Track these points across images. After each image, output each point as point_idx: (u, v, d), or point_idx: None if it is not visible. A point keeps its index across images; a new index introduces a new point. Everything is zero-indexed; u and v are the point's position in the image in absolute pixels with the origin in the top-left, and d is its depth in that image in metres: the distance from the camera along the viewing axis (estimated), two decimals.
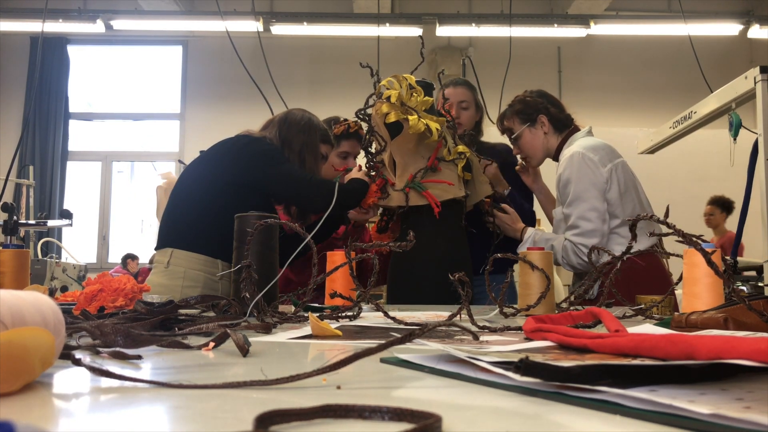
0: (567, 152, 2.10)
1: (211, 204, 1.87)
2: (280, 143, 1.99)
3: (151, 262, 7.23)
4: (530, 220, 2.50)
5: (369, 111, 1.99)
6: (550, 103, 2.24)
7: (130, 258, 7.38)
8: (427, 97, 1.97)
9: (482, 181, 2.16)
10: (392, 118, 1.89)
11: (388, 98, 1.90)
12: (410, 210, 1.99)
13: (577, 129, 2.22)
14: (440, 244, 1.96)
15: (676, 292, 1.52)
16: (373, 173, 2.03)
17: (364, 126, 2.07)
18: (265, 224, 1.19)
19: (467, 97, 2.50)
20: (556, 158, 2.22)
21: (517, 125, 2.23)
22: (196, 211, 1.90)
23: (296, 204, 2.04)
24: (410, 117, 1.88)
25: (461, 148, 2.00)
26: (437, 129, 1.90)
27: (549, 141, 2.21)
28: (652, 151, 4.01)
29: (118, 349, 0.65)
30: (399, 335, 0.54)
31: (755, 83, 2.79)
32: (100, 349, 0.66)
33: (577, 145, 2.10)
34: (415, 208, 1.98)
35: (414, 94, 1.94)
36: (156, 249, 1.97)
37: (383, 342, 0.54)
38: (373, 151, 2.05)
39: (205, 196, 1.90)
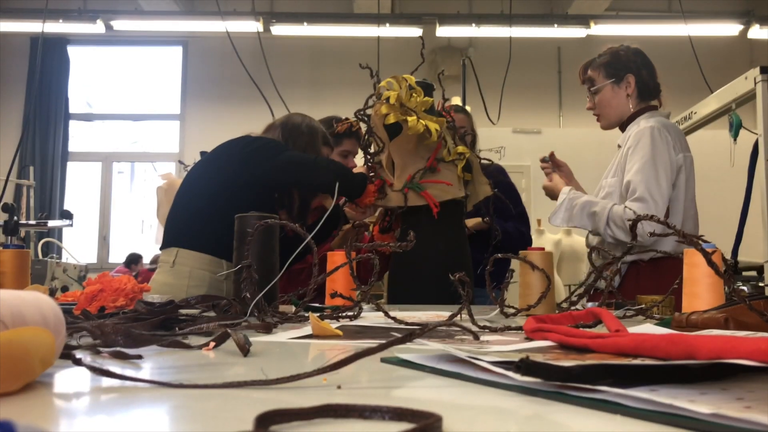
0: (643, 124, 1.93)
1: (217, 204, 1.88)
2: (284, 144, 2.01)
3: (152, 262, 7.20)
4: (527, 243, 2.45)
5: (369, 111, 2.00)
6: (643, 64, 2.05)
7: (134, 263, 7.28)
8: (426, 98, 1.96)
9: (482, 182, 2.16)
10: (391, 119, 1.89)
11: (387, 99, 1.90)
12: (410, 210, 1.99)
13: (656, 108, 2.05)
14: (440, 245, 1.96)
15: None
16: (372, 174, 2.03)
17: (364, 126, 2.07)
18: (266, 224, 1.19)
19: (466, 123, 2.46)
20: (624, 127, 2.04)
21: (601, 78, 2.04)
22: (202, 212, 1.91)
23: (305, 186, 2.00)
24: (409, 118, 1.88)
25: (461, 148, 2.00)
26: (436, 130, 1.90)
27: (628, 105, 2.02)
28: None
29: (118, 348, 0.65)
30: (399, 335, 0.54)
31: (755, 84, 2.79)
32: (101, 349, 0.66)
33: (655, 120, 1.94)
34: (414, 209, 1.98)
35: (414, 94, 1.94)
36: (161, 248, 1.97)
37: (383, 342, 0.54)
38: (372, 151, 2.05)
39: (210, 196, 1.90)
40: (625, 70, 2.02)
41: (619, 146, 2.04)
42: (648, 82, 2.03)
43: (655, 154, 1.86)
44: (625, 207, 1.84)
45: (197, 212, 1.92)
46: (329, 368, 0.51)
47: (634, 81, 2.01)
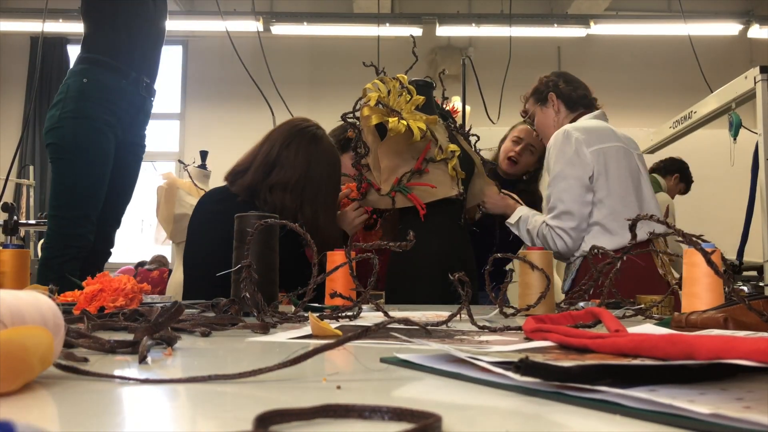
0: (557, 131, 2.03)
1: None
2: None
3: (151, 262, 7.13)
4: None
5: (358, 114, 1.99)
6: (564, 81, 2.17)
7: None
8: (418, 96, 1.96)
9: (487, 183, 2.16)
10: (374, 120, 1.88)
11: (369, 101, 1.90)
12: (405, 210, 2.00)
13: (584, 114, 2.13)
14: (434, 243, 1.96)
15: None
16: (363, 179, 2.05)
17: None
18: (266, 224, 1.19)
19: (537, 142, 2.44)
20: None
21: (531, 105, 2.20)
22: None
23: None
24: (390, 119, 1.87)
25: (453, 146, 1.99)
26: (420, 129, 1.88)
27: (560, 120, 2.14)
28: (652, 151, 4.02)
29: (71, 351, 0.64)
30: (400, 335, 0.54)
31: (755, 83, 2.79)
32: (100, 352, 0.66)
33: (567, 126, 2.01)
34: (408, 209, 1.98)
35: (404, 93, 1.93)
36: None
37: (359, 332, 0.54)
38: (361, 153, 2.06)
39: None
40: (546, 90, 2.17)
41: None
42: (569, 93, 2.16)
43: (559, 159, 1.96)
44: (543, 222, 1.97)
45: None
46: (290, 363, 0.52)
47: (555, 97, 2.15)
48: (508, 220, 2.09)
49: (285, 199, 1.85)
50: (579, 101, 2.15)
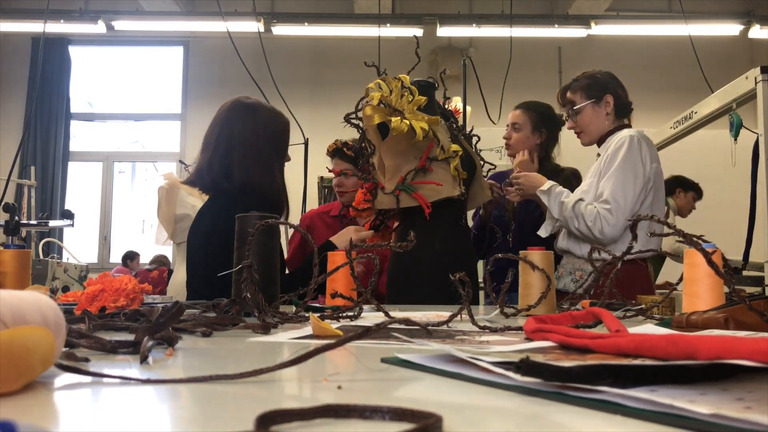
0: (625, 133, 2.05)
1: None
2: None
3: (152, 262, 7.19)
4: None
5: (360, 114, 1.99)
6: (618, 86, 2.18)
7: (129, 258, 7.28)
8: (420, 97, 1.96)
9: (482, 186, 2.16)
10: (376, 120, 1.88)
11: (372, 101, 1.90)
12: (406, 210, 1.99)
13: (628, 125, 2.16)
14: (436, 244, 1.95)
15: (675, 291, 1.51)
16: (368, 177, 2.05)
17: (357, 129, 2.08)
18: (266, 224, 1.19)
19: (519, 118, 2.47)
20: (601, 142, 2.15)
21: (581, 99, 2.16)
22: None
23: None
24: (393, 119, 1.87)
25: (455, 146, 1.99)
26: (422, 129, 1.88)
27: (607, 123, 2.14)
28: None
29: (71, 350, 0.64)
30: (401, 335, 0.54)
31: (756, 83, 2.79)
32: (100, 351, 0.66)
33: (636, 131, 2.05)
34: (409, 209, 1.98)
35: (406, 94, 1.93)
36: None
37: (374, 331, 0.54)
38: (365, 153, 2.06)
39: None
40: (605, 90, 2.16)
41: (598, 155, 2.15)
42: (624, 100, 2.18)
43: (627, 162, 1.98)
44: (589, 204, 1.97)
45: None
46: (290, 363, 0.52)
47: (612, 100, 2.15)
48: (540, 188, 2.07)
49: (220, 168, 1.85)
50: (626, 110, 2.18)
